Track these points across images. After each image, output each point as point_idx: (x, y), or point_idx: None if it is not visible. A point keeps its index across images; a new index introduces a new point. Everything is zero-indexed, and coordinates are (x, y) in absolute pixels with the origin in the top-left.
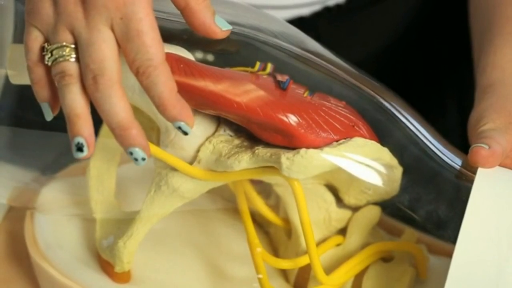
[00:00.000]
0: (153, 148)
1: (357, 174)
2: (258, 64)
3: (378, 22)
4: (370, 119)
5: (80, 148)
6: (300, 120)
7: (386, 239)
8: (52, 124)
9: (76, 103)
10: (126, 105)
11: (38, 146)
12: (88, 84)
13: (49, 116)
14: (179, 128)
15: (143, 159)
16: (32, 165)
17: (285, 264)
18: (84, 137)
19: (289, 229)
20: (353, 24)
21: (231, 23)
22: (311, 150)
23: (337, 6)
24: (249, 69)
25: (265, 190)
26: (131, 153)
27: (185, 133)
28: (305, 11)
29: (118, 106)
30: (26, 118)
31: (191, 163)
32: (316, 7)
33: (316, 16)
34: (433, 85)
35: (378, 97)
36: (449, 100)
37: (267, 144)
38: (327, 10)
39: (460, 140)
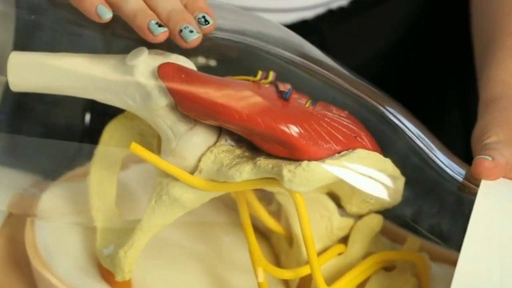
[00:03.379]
0: (154, 158)
1: (359, 186)
2: (260, 73)
3: (381, 24)
4: (372, 128)
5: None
6: (302, 132)
7: (388, 247)
8: (50, 130)
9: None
10: None
11: (37, 152)
12: None
13: (108, 14)
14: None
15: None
16: (32, 171)
17: (286, 274)
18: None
19: (290, 237)
20: (356, 27)
21: (232, 31)
22: (313, 163)
23: (340, 9)
24: (251, 78)
25: (266, 196)
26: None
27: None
28: (309, 14)
29: None
30: (25, 124)
31: (192, 172)
32: (320, 10)
33: (319, 19)
34: (436, 85)
35: (381, 106)
36: (451, 100)
37: (269, 155)
38: (330, 13)
39: (463, 142)
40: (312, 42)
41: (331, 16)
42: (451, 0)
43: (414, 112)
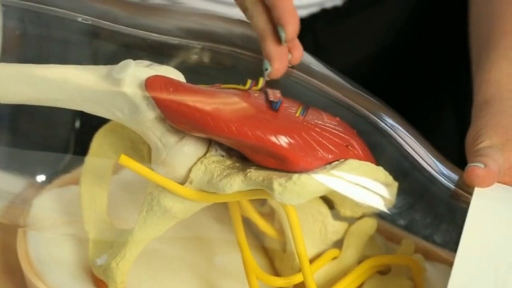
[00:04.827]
0: (144, 170)
1: (352, 196)
2: (249, 82)
3: (375, 25)
4: (364, 135)
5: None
6: (292, 143)
7: (383, 249)
8: (38, 138)
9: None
10: None
11: (27, 159)
12: None
13: None
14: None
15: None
16: (21, 178)
17: (279, 282)
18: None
19: (284, 241)
20: (350, 26)
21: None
22: (303, 176)
23: (335, 8)
24: (240, 86)
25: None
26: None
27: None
28: (303, 13)
29: None
30: (15, 131)
31: (182, 183)
32: (314, 9)
33: (313, 17)
34: (430, 86)
35: (372, 112)
36: (446, 101)
37: (260, 165)
38: (324, 12)
39: (457, 142)
40: (306, 41)
41: (325, 15)
42: (444, 3)
43: (408, 113)
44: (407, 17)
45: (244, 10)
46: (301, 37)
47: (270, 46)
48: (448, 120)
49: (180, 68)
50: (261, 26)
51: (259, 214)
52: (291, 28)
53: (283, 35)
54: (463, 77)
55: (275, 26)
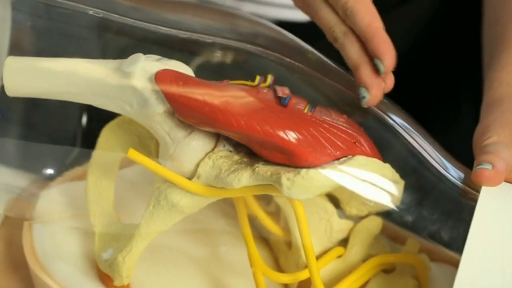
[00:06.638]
0: (153, 164)
1: (359, 192)
2: (258, 78)
3: (395, 27)
4: (371, 132)
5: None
6: (301, 138)
7: (388, 248)
8: (47, 130)
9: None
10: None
11: (33, 153)
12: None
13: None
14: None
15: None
16: (29, 172)
17: (285, 278)
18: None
19: (289, 239)
20: None
21: (228, 35)
22: (312, 171)
23: None
24: (249, 82)
25: (265, 196)
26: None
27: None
28: None
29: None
30: (21, 125)
31: (190, 178)
32: None
33: None
34: (450, 87)
35: (380, 110)
36: (465, 102)
37: (267, 161)
38: None
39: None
40: (326, 42)
41: None
42: (465, 4)
43: (427, 113)
44: (428, 20)
45: (334, 40)
46: (322, 38)
47: (367, 76)
48: (466, 121)
49: (190, 63)
50: (355, 56)
51: (265, 212)
52: (389, 60)
53: (381, 67)
54: (482, 78)
55: (370, 56)
